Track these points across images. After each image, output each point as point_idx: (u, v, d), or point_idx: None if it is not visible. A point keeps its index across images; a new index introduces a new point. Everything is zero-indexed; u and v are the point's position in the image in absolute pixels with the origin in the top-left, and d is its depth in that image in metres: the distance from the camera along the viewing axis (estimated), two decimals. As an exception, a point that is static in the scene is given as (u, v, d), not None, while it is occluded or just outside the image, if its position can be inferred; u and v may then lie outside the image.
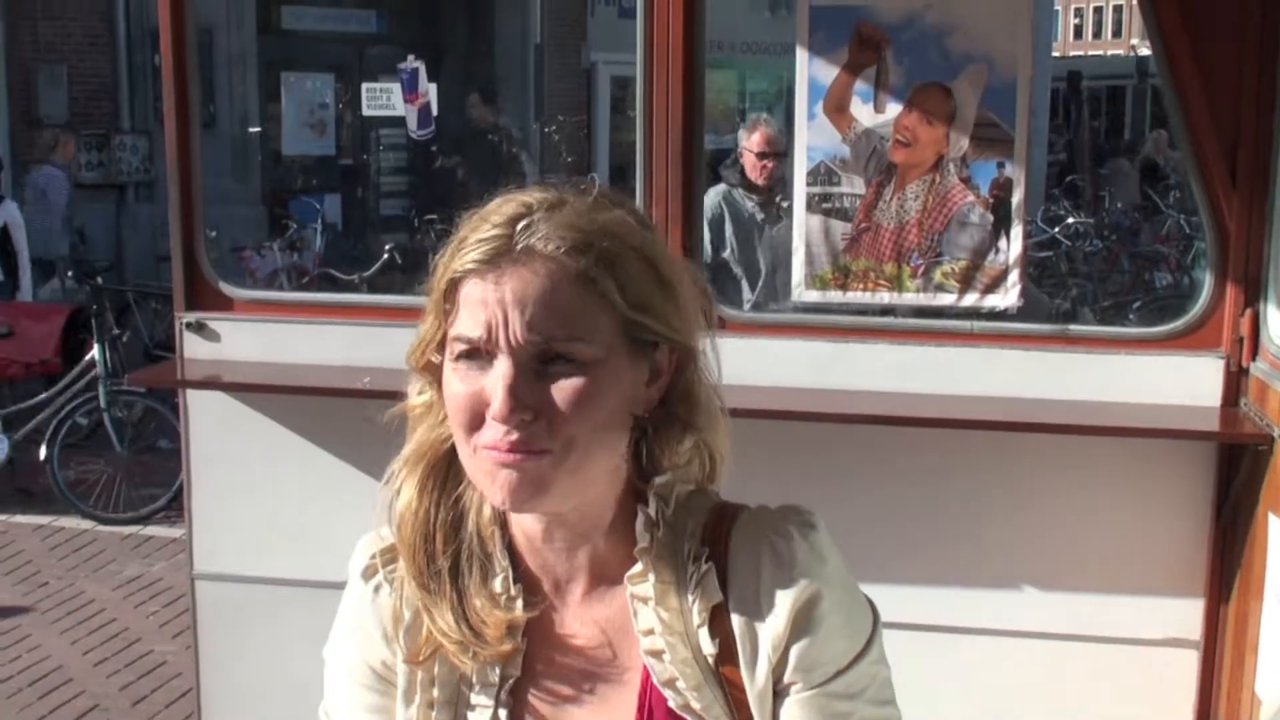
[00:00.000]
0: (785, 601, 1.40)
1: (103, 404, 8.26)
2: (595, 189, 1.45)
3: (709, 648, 1.42)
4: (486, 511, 1.48)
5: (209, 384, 3.78)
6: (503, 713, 1.47)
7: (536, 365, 1.34)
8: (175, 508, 7.71)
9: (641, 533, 1.44)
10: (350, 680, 1.56)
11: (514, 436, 1.34)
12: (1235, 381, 3.37)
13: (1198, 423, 3.36)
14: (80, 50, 15.47)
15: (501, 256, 1.35)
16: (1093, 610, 3.50)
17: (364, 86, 4.07)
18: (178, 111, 3.74)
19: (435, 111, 3.89)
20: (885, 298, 3.56)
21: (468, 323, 1.36)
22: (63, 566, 7.34)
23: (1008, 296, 3.51)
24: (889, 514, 3.56)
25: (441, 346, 1.41)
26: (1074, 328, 3.68)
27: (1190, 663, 3.47)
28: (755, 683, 1.42)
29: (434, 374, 1.44)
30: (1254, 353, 3.33)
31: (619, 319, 1.37)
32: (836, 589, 1.43)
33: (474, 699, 1.48)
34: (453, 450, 1.44)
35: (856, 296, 3.57)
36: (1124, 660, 3.50)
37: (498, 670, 1.47)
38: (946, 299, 3.53)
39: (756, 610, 1.41)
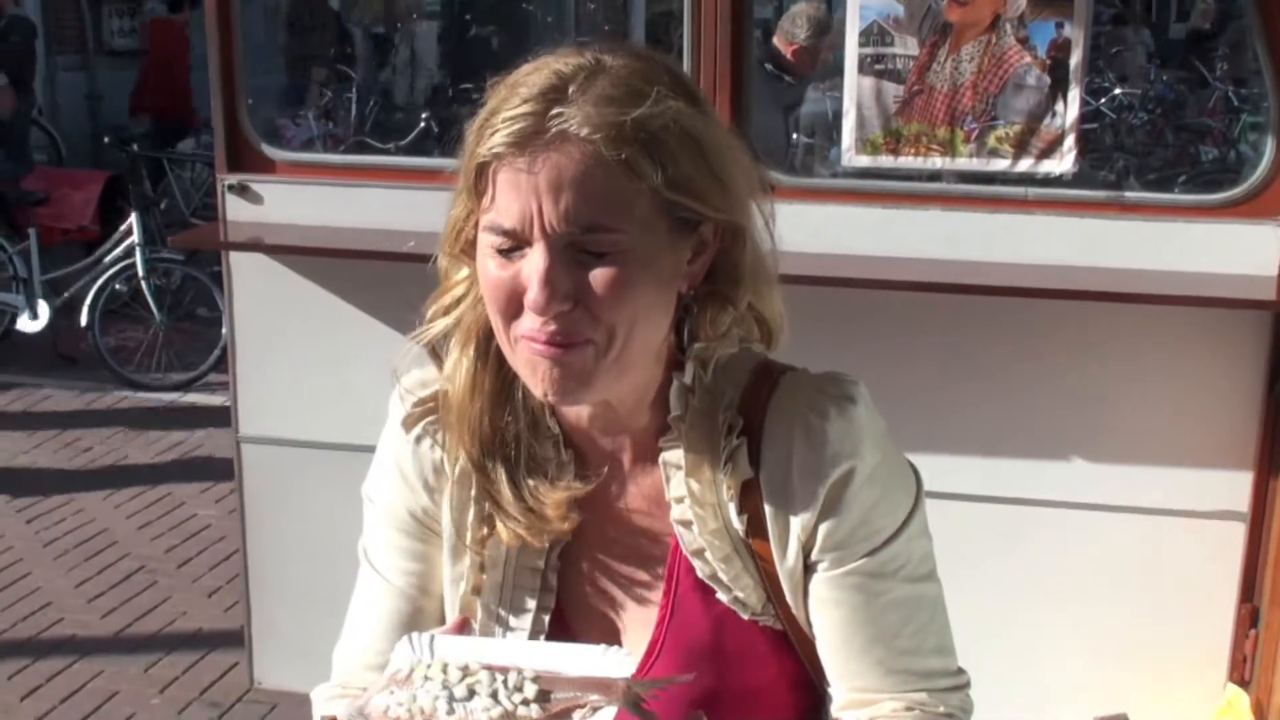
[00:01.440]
0: (816, 481, 1.38)
1: (141, 272, 8.29)
2: (635, 51, 1.35)
3: (737, 523, 1.40)
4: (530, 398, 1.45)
5: (252, 246, 3.76)
6: (552, 576, 1.47)
7: (573, 253, 1.28)
8: (215, 375, 7.77)
9: (675, 400, 1.41)
10: (390, 524, 1.54)
11: (552, 327, 1.29)
12: (1293, 251, 3.31)
13: (1254, 292, 3.30)
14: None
15: (533, 139, 1.26)
16: (1142, 482, 3.48)
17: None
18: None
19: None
20: (938, 163, 3.49)
21: (501, 210, 1.29)
22: (105, 432, 7.41)
23: (1064, 162, 3.43)
24: (940, 382, 3.54)
25: (474, 230, 1.35)
26: (1130, 195, 3.61)
27: (1237, 535, 3.45)
28: (785, 560, 1.40)
29: (470, 254, 1.38)
30: (1314, 222, 3.26)
31: (659, 200, 1.29)
32: (871, 465, 1.39)
33: (524, 560, 1.48)
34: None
35: (908, 162, 3.50)
36: (1173, 532, 3.49)
37: (547, 535, 1.47)
38: (1000, 164, 3.45)
39: (787, 488, 1.39)
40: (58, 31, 14.77)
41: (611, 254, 1.28)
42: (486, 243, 1.32)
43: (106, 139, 10.45)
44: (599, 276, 1.28)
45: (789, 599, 1.42)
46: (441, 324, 1.44)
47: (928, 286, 3.35)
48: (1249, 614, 3.44)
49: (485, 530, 1.47)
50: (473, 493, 1.47)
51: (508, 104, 1.28)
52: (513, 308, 1.31)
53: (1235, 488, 3.44)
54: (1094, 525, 3.51)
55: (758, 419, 1.40)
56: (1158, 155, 11.72)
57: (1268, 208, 3.33)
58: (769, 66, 5.58)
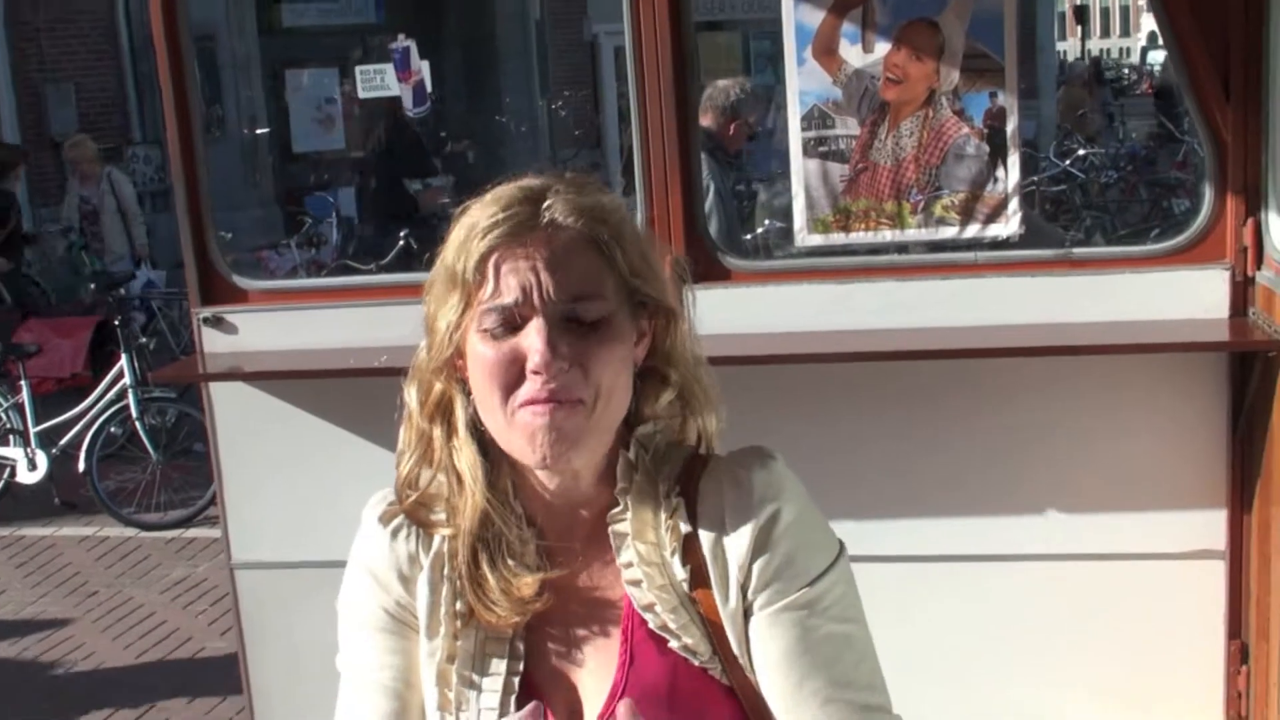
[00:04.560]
0: (746, 522, 1.55)
1: (135, 413, 8.36)
2: (580, 176, 1.61)
3: (681, 574, 1.56)
4: (500, 483, 1.60)
5: (230, 375, 3.83)
6: (519, 643, 1.60)
7: (564, 322, 1.49)
8: (215, 509, 7.80)
9: (622, 473, 1.59)
10: (366, 626, 1.66)
11: (553, 385, 1.49)
12: (1242, 291, 3.38)
13: (1207, 335, 3.38)
14: (86, 66, 15.58)
15: (528, 230, 1.50)
16: (1117, 529, 3.53)
17: (357, 70, 4.09)
18: (177, 109, 3.78)
19: (429, 88, 3.91)
20: (888, 236, 3.58)
21: (503, 291, 1.50)
22: (109, 575, 7.44)
23: (1010, 224, 3.52)
24: (907, 450, 3.59)
25: (463, 334, 1.54)
26: (1078, 250, 3.70)
27: (1218, 573, 3.49)
28: (727, 603, 1.55)
29: (451, 372, 1.58)
30: (1258, 262, 3.34)
31: (623, 282, 1.54)
32: (795, 509, 1.56)
33: (493, 629, 1.60)
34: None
35: (859, 237, 3.59)
36: (1152, 576, 3.53)
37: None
38: (949, 232, 3.55)
39: (722, 534, 1.56)
40: (40, 183, 14.98)
41: (597, 321, 1.51)
42: (482, 328, 1.51)
43: (93, 285, 10.58)
44: (590, 340, 1.51)
45: (733, 646, 1.55)
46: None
47: (888, 356, 3.43)
48: (1238, 650, 3.47)
49: (463, 610, 1.60)
50: (445, 572, 1.61)
51: (498, 208, 1.53)
52: (512, 378, 1.51)
53: (1211, 526, 3.48)
54: (1075, 576, 3.55)
55: (693, 485, 1.59)
56: (1132, 211, 11.86)
57: (1213, 252, 3.42)
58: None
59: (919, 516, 3.61)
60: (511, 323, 1.50)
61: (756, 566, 1.54)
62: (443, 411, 1.61)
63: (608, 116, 17.20)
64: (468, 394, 1.58)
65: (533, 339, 1.49)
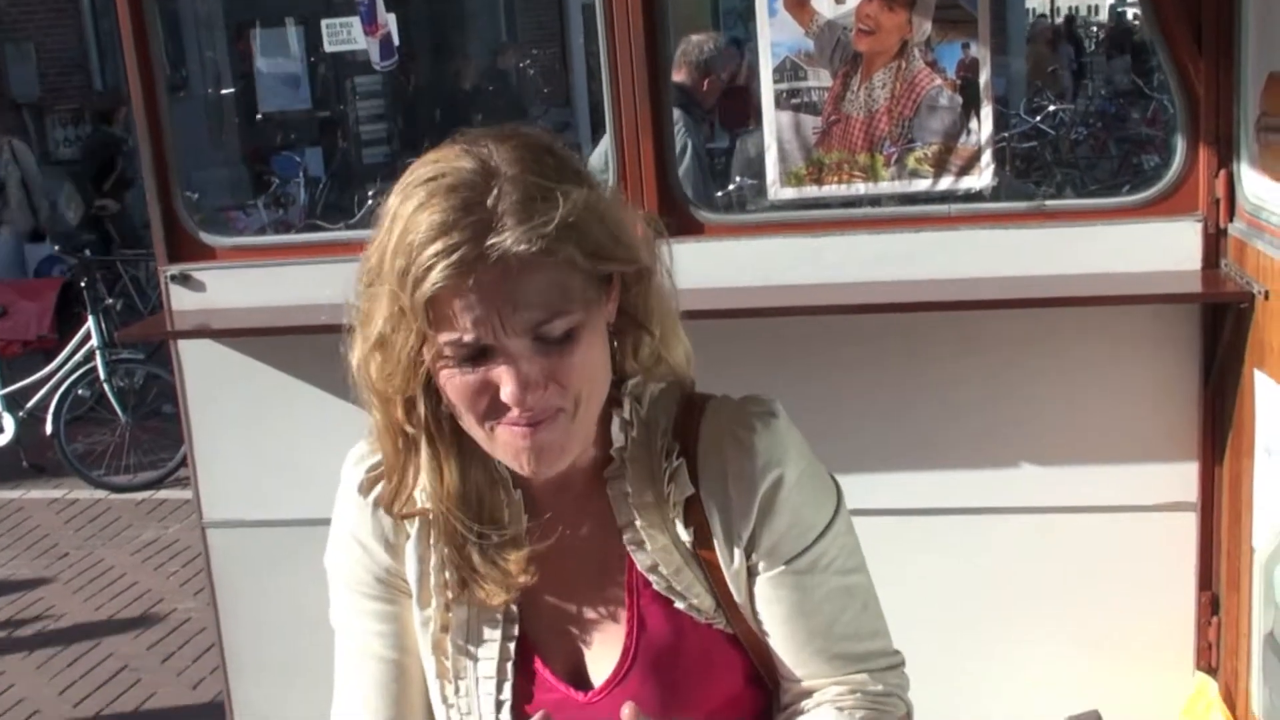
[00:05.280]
0: (751, 487, 1.52)
1: (103, 374, 8.32)
2: (514, 141, 1.44)
3: (685, 535, 1.53)
4: (480, 450, 1.52)
5: (199, 333, 3.80)
6: (513, 606, 1.57)
7: (533, 344, 1.40)
8: (185, 470, 7.77)
9: (617, 434, 1.55)
10: (355, 592, 1.63)
11: (530, 411, 1.42)
12: (1214, 243, 3.38)
13: (1180, 286, 3.38)
14: (46, 24, 15.37)
15: (476, 265, 1.35)
16: (1090, 481, 3.54)
17: (323, 23, 4.03)
18: (140, 67, 3.73)
19: (397, 41, 3.86)
20: (860, 188, 3.57)
21: (461, 329, 1.38)
22: (80, 537, 7.42)
23: (982, 177, 3.51)
24: (880, 403, 3.59)
25: (421, 363, 1.43)
26: (1051, 203, 3.69)
27: (1189, 525, 3.51)
28: (731, 564, 1.53)
29: (411, 382, 1.46)
30: (1230, 213, 3.34)
31: (587, 272, 1.42)
32: (797, 471, 1.54)
33: (485, 605, 1.57)
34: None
35: (832, 189, 3.58)
36: (1124, 528, 3.54)
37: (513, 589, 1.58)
38: (922, 184, 3.53)
39: (726, 497, 1.53)
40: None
41: (566, 336, 1.42)
42: (444, 357, 1.41)
43: (56, 248, 10.50)
44: (562, 356, 1.42)
45: (737, 601, 1.55)
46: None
47: (861, 309, 3.43)
48: (1209, 601, 3.49)
49: (454, 580, 1.57)
50: (432, 541, 1.57)
51: (431, 239, 1.35)
52: (486, 404, 1.43)
53: (1183, 478, 3.50)
54: (1048, 527, 3.56)
55: (692, 442, 1.55)
56: (1102, 167, 11.88)
57: (1185, 204, 3.41)
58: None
59: (890, 470, 3.62)
60: (475, 355, 1.40)
61: (762, 531, 1.53)
62: (407, 408, 1.49)
63: (576, 73, 17.10)
64: (435, 387, 1.47)
65: (503, 375, 1.40)
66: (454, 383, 1.43)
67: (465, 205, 1.36)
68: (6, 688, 5.58)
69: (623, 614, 1.56)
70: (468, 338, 1.38)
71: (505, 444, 1.45)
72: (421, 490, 1.54)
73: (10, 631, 6.17)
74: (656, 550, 1.53)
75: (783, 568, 1.54)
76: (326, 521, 1.68)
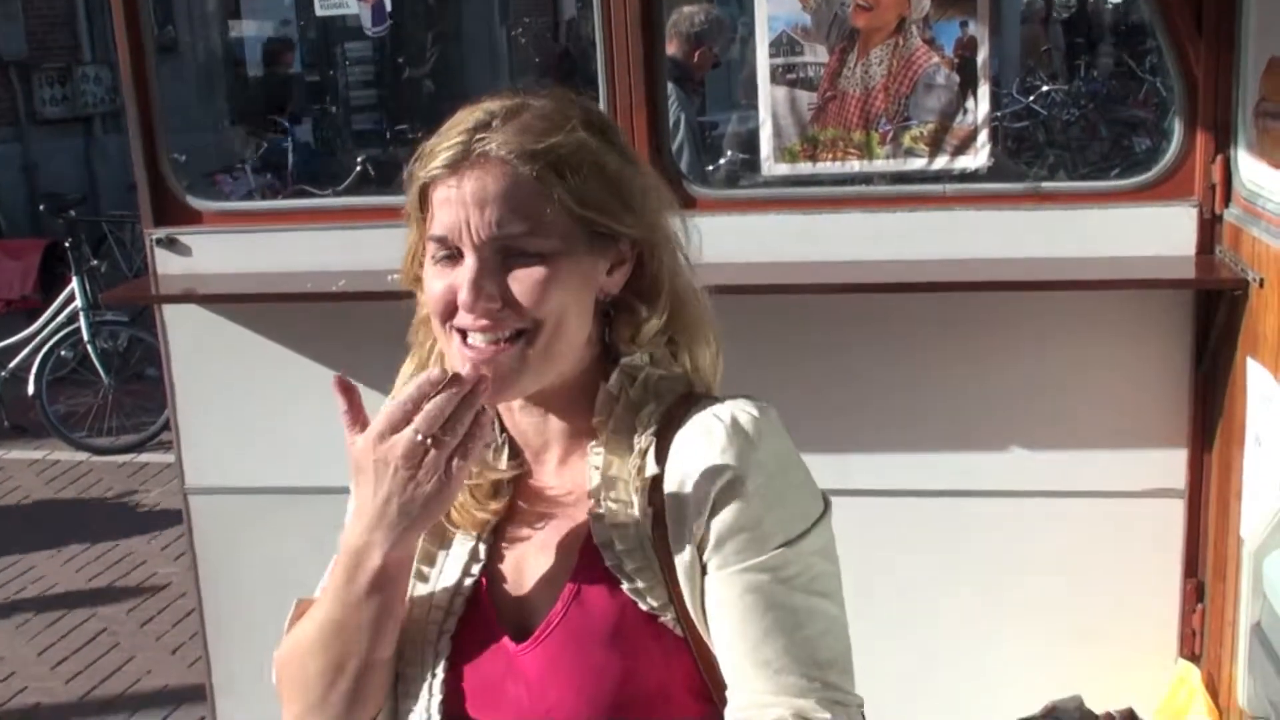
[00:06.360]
0: (710, 479, 1.47)
1: (86, 336, 8.27)
2: (558, 93, 1.57)
3: (642, 516, 1.51)
4: None
5: (184, 298, 3.76)
6: (482, 547, 1.60)
7: (500, 259, 1.47)
8: (167, 434, 7.74)
9: (601, 405, 1.57)
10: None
11: (483, 322, 1.47)
12: (1209, 229, 3.36)
13: (1174, 271, 3.36)
14: (34, -18, 15.22)
15: (461, 162, 1.47)
16: (1078, 466, 3.53)
17: (314, -15, 4.00)
18: (128, 27, 3.68)
19: (389, 7, 3.82)
20: (855, 166, 3.54)
21: (437, 224, 1.49)
22: (61, 498, 7.37)
23: (978, 157, 3.48)
24: (869, 382, 3.57)
25: (424, 253, 1.54)
26: (1047, 185, 3.68)
27: (1176, 511, 3.50)
28: (682, 555, 1.48)
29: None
30: (1226, 199, 3.32)
31: (573, 215, 1.48)
32: (764, 474, 1.48)
33: (458, 536, 1.61)
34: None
35: (826, 167, 3.55)
36: (1111, 513, 3.53)
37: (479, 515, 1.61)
38: (917, 163, 3.51)
39: (684, 486, 1.49)
40: (-9, 103, 14.70)
41: (533, 259, 1.47)
42: (429, 256, 1.52)
43: (42, 207, 10.43)
44: (521, 279, 1.47)
45: (687, 601, 1.48)
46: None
47: (852, 288, 3.40)
48: (1194, 589, 3.49)
49: None
50: None
51: (443, 139, 1.50)
52: (449, 310, 1.50)
53: (1171, 465, 3.49)
54: (1034, 512, 3.55)
55: (673, 428, 1.53)
56: (1093, 149, 11.85)
57: (1181, 189, 3.39)
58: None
59: (878, 451, 3.60)
60: (451, 254, 1.49)
61: (715, 525, 1.46)
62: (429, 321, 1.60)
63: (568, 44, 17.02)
64: None
65: (462, 277, 1.47)
66: (431, 282, 1.51)
67: (480, 120, 1.50)
68: (-16, 649, 5.56)
69: (568, 578, 1.54)
70: (440, 231, 1.48)
71: (460, 354, 1.50)
72: None
73: (-11, 593, 6.14)
74: (614, 525, 1.52)
75: (734, 568, 1.46)
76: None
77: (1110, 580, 3.54)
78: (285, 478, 3.74)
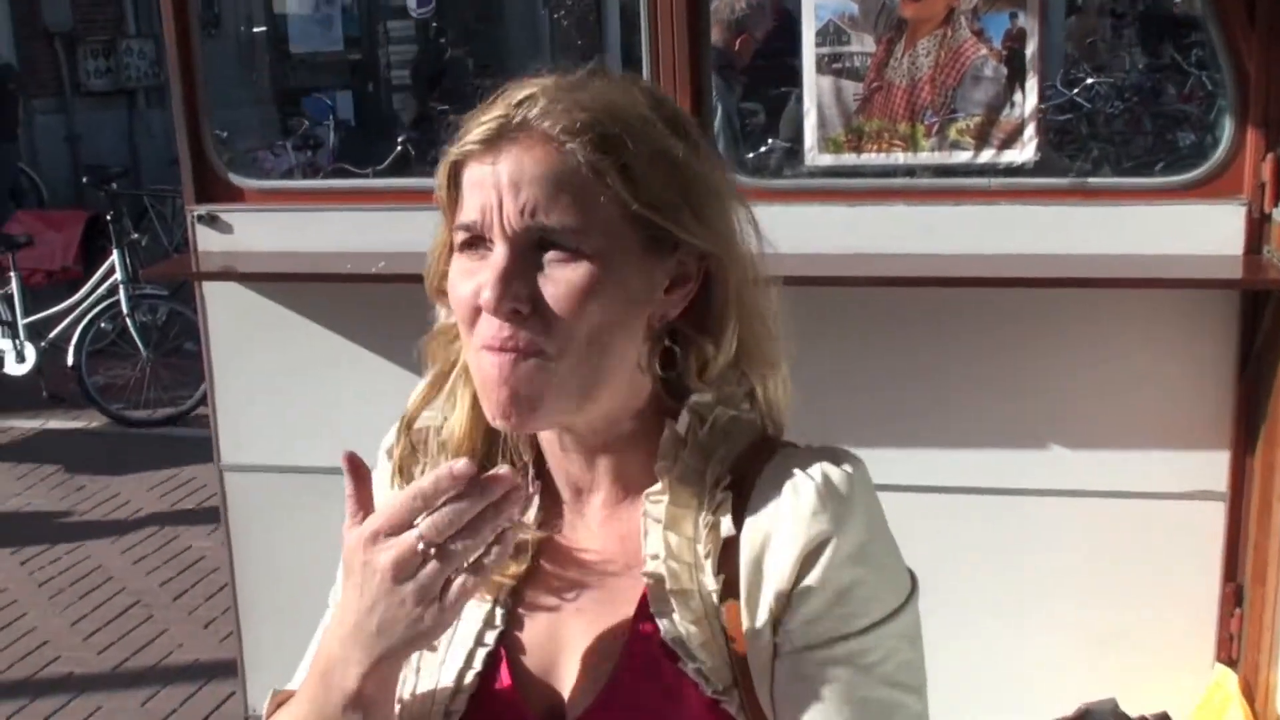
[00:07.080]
0: (797, 542, 1.24)
1: (125, 309, 8.32)
2: (627, 75, 1.34)
3: (712, 583, 1.28)
4: None
5: (223, 275, 3.77)
6: (499, 611, 1.36)
7: (535, 256, 1.22)
8: (204, 408, 7.78)
9: (665, 450, 1.32)
10: None
11: (506, 332, 1.23)
12: (1258, 229, 3.31)
13: (1220, 271, 3.31)
14: (82, -45, 15.30)
15: (500, 137, 1.22)
16: (1118, 466, 3.49)
17: (361, -35, 3.95)
18: (174, 1, 3.69)
19: (435, -12, 3.81)
20: (900, 158, 3.51)
21: (466, 208, 1.25)
22: (96, 470, 7.42)
23: (1025, 151, 3.44)
24: (911, 376, 3.54)
25: (449, 256, 1.30)
26: (1093, 180, 3.62)
27: (1217, 515, 3.46)
28: (756, 631, 1.26)
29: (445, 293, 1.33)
30: (1276, 198, 3.27)
31: (626, 212, 1.23)
32: (857, 541, 1.26)
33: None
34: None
35: (871, 158, 3.52)
36: (1153, 514, 3.49)
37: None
38: (962, 156, 3.47)
39: (765, 549, 1.26)
40: (34, 75, 14.79)
41: (574, 258, 1.22)
42: (457, 247, 1.27)
43: (85, 179, 10.49)
44: (558, 281, 1.22)
45: (755, 685, 1.27)
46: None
47: (896, 281, 3.37)
48: (1233, 593, 3.45)
49: None
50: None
51: (483, 110, 1.26)
52: (474, 314, 1.25)
53: (1213, 467, 3.44)
54: (1074, 511, 3.51)
55: (749, 482, 1.30)
56: (1137, 143, 11.75)
57: (1230, 187, 3.34)
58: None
59: (917, 446, 3.57)
60: (481, 245, 1.25)
61: (797, 596, 1.24)
62: (449, 335, 1.36)
63: (610, 26, 16.98)
64: None
65: (486, 272, 1.22)
66: (456, 279, 1.27)
67: (522, 96, 1.26)
68: (18, 616, 5.60)
69: (616, 653, 1.30)
70: (468, 218, 1.24)
71: (480, 371, 1.26)
72: (437, 435, 1.39)
73: (24, 562, 6.19)
74: (677, 592, 1.28)
75: (813, 651, 1.24)
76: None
77: (1148, 582, 3.51)
78: (321, 457, 3.72)
